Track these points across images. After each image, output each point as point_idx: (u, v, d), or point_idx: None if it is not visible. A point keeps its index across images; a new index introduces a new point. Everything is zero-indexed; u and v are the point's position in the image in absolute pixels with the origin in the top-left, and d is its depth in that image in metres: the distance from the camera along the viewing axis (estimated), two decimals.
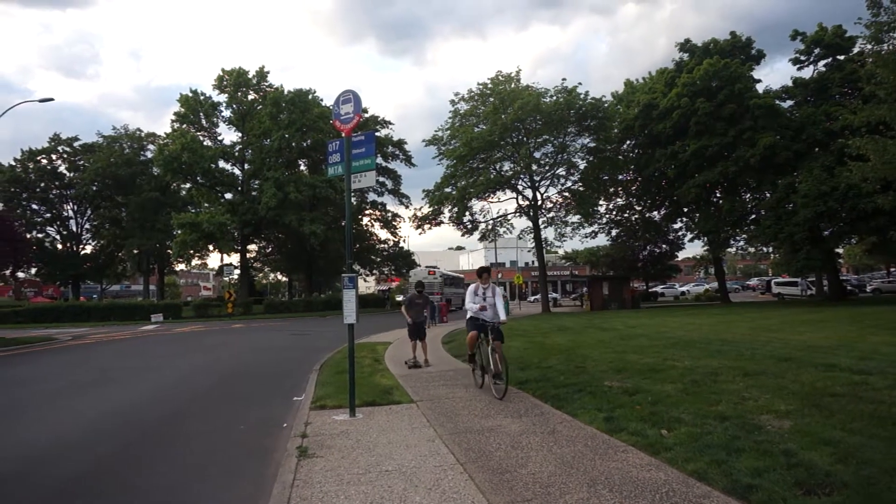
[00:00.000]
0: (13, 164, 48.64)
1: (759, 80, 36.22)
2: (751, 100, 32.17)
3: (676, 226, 44.98)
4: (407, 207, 54.09)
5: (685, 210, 40.18)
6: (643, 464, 4.69)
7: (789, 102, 34.83)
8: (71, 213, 52.51)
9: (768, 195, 34.03)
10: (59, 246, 52.03)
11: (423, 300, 11.90)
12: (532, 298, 62.57)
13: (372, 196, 52.75)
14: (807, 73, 34.51)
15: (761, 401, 6.58)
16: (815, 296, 39.70)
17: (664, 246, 49.67)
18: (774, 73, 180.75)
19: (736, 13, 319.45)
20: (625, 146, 40.46)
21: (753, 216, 36.96)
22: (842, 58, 32.50)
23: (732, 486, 4.05)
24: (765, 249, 44.03)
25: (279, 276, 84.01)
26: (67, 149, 50.83)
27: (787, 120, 32.78)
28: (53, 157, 50.50)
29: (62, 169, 51.06)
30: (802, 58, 34.20)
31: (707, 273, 61.31)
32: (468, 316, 8.55)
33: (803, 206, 28.75)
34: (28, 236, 41.72)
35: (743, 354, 10.37)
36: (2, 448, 6.31)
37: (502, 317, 8.14)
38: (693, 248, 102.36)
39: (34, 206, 50.03)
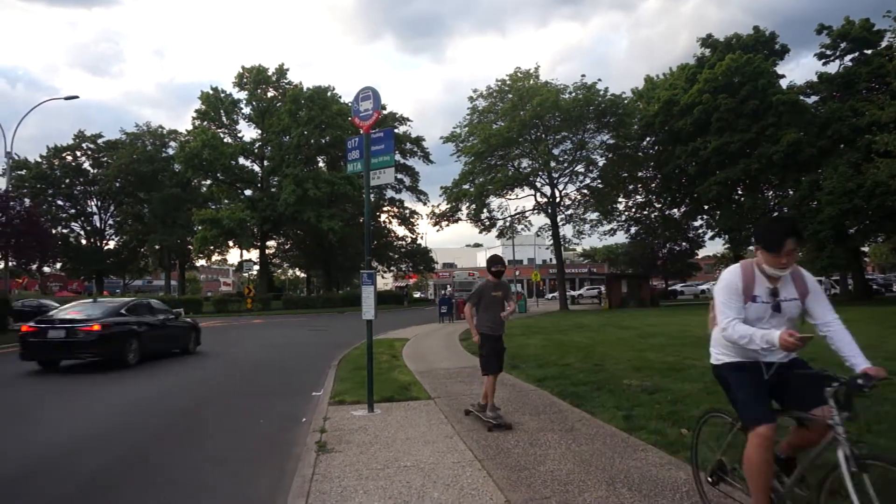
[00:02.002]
0: (39, 160, 49.65)
1: (782, 76, 35.76)
2: (774, 96, 31.68)
3: (697, 223, 44.52)
4: (425, 204, 54.16)
5: (706, 207, 39.71)
6: (663, 462, 4.65)
7: (814, 98, 34.27)
8: (95, 209, 53.48)
9: (791, 193, 33.53)
10: (84, 241, 53.00)
11: (503, 292, 6.55)
12: (549, 296, 62.23)
13: (390, 193, 53.03)
14: (832, 68, 33.95)
15: None
16: (839, 295, 39.00)
17: (684, 244, 49.15)
18: (800, 69, 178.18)
19: (759, 7, 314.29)
20: (644, 143, 40.10)
21: (776, 214, 36.41)
22: (869, 52, 31.91)
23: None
24: None
25: (298, 273, 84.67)
26: (91, 146, 51.76)
27: (812, 116, 32.23)
28: (78, 153, 51.48)
29: (86, 165, 52.06)
30: (828, 52, 33.60)
31: None
32: (721, 358, 3.22)
33: (828, 204, 28.27)
34: (54, 232, 42.53)
35: None
36: (32, 442, 6.44)
37: (859, 359, 2.86)
38: (713, 247, 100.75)
39: (59, 202, 51.01)
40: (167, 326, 14.48)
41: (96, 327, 12.03)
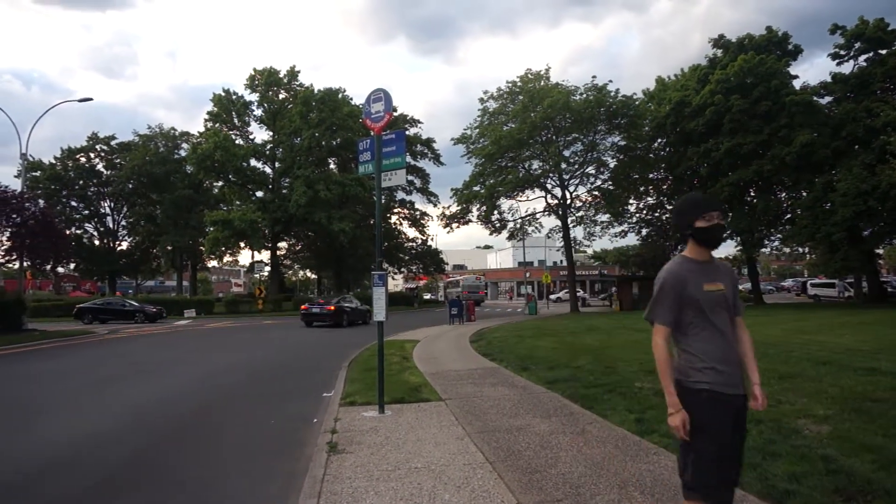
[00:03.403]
0: (53, 162, 50.13)
1: (795, 77, 35.42)
2: (787, 96, 31.38)
3: None
4: (435, 206, 54.14)
5: None
6: (675, 466, 4.61)
7: (828, 99, 33.91)
8: (108, 210, 53.94)
9: (805, 194, 33.20)
10: (97, 242, 53.48)
11: (726, 282, 2.96)
12: (555, 297, 61.78)
13: (400, 194, 53.07)
14: (847, 68, 33.57)
15: (798, 405, 6.42)
16: (853, 298, 38.57)
17: None
18: (813, 69, 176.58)
19: (773, 7, 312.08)
20: (656, 144, 39.85)
21: (789, 216, 36.11)
22: (884, 52, 31.52)
23: (768, 491, 3.95)
24: (800, 250, 42.92)
25: (309, 274, 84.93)
26: (105, 147, 52.20)
27: (826, 117, 31.92)
28: (92, 155, 51.90)
29: (100, 167, 52.48)
30: (842, 52, 33.24)
31: (740, 273, 59.96)
32: None
33: (842, 206, 27.96)
34: (67, 232, 42.94)
35: (778, 357, 10.13)
36: (44, 440, 6.52)
37: None
38: (725, 248, 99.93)
39: (73, 203, 51.50)
40: (357, 309, 26.89)
41: (332, 308, 25.09)
